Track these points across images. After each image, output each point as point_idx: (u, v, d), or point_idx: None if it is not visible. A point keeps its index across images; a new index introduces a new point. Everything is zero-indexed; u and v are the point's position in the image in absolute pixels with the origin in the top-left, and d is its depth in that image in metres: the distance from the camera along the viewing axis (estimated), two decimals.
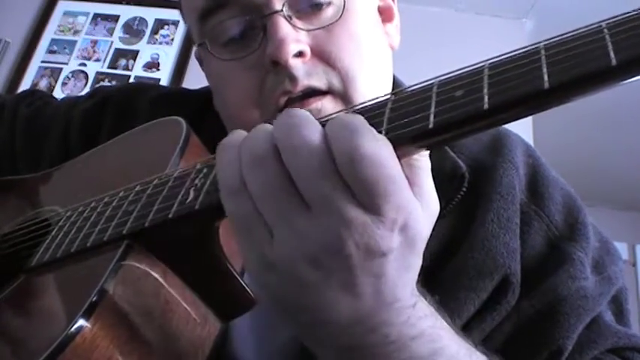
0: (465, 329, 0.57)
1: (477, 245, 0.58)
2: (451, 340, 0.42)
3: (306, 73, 0.56)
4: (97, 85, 2.30)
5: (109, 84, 2.30)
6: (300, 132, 0.35)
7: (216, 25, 0.60)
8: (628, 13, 0.32)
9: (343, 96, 0.58)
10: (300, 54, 0.56)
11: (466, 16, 2.46)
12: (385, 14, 0.68)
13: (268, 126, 0.38)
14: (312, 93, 0.57)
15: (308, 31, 0.58)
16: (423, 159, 0.39)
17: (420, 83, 0.38)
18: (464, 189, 0.60)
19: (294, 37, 0.56)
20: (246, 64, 0.58)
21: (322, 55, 0.58)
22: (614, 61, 0.30)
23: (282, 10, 0.56)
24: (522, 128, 2.16)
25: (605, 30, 0.32)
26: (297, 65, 0.56)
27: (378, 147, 0.34)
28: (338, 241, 0.35)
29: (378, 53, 0.64)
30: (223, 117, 0.66)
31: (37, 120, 0.80)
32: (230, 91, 0.62)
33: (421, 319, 0.39)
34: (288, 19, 0.57)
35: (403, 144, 0.36)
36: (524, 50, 0.35)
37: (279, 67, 0.56)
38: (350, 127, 0.34)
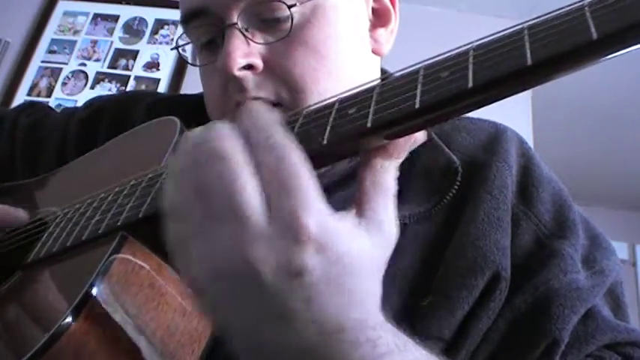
0: (464, 331, 0.56)
1: (468, 245, 0.57)
2: None
3: (256, 85, 0.58)
4: (97, 86, 2.31)
5: (108, 84, 2.30)
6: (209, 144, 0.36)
7: (192, 30, 0.63)
8: None
9: (293, 108, 0.56)
10: (249, 67, 0.57)
11: (468, 16, 2.45)
12: (381, 18, 0.66)
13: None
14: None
15: (265, 44, 0.58)
16: (388, 176, 0.37)
17: (407, 68, 0.39)
18: (457, 184, 0.60)
19: (242, 51, 0.57)
20: (213, 70, 0.61)
21: (274, 69, 0.58)
22: (594, 36, 0.30)
23: (236, 24, 0.57)
24: (522, 128, 2.16)
25: (587, 7, 0.32)
26: (246, 77, 0.57)
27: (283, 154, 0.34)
28: (243, 257, 0.32)
29: (347, 62, 0.61)
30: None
31: (37, 130, 0.82)
32: (205, 91, 0.65)
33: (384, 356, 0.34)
34: (244, 31, 0.58)
35: (391, 127, 0.36)
36: (509, 31, 0.35)
37: (230, 77, 0.57)
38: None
